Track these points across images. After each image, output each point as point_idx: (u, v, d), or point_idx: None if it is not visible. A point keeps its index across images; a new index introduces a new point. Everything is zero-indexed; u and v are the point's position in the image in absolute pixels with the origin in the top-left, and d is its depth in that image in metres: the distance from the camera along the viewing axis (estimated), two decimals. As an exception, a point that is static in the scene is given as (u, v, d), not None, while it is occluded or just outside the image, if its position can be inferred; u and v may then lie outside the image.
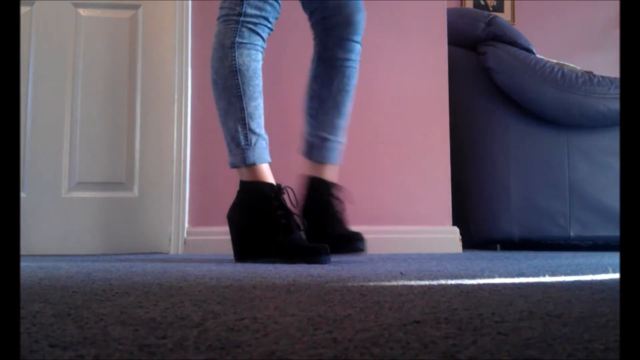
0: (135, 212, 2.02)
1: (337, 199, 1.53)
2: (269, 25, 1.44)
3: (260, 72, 1.44)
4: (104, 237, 2.01)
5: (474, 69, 2.33)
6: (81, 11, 2.08)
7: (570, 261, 1.45)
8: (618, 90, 2.21)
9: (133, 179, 2.04)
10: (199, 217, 2.00)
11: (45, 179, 2.01)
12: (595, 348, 0.41)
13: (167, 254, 1.95)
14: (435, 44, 2.15)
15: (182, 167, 1.99)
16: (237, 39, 1.39)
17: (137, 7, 2.10)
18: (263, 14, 1.41)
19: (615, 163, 2.24)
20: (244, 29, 1.40)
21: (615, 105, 2.20)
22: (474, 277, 0.97)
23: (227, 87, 1.41)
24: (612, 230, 2.21)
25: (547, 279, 0.95)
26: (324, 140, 1.54)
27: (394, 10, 2.14)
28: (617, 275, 1.01)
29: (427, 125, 2.12)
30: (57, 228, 1.99)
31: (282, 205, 1.39)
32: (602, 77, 2.25)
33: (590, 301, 0.65)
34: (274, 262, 1.35)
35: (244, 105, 1.40)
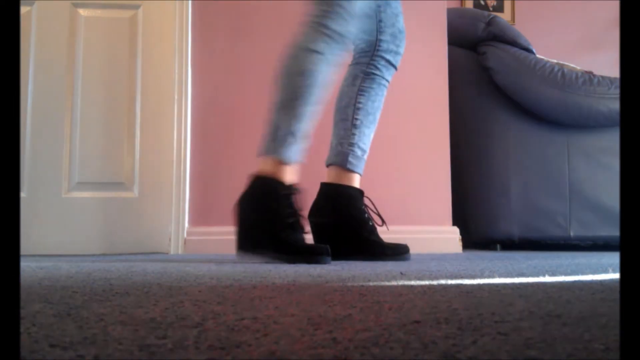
0: (135, 212, 2.02)
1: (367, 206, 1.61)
2: (345, 47, 1.47)
3: (326, 85, 1.46)
4: (104, 237, 2.01)
5: (474, 69, 2.33)
6: (81, 11, 2.08)
7: (570, 261, 1.45)
8: (618, 90, 2.21)
9: (133, 179, 2.04)
10: (199, 217, 2.00)
11: (45, 179, 2.01)
12: (595, 348, 0.41)
13: (167, 254, 1.95)
14: (435, 44, 2.15)
15: (182, 167, 1.99)
16: (316, 46, 1.42)
17: (137, 7, 2.10)
18: (346, 34, 1.44)
19: (615, 163, 2.23)
20: (328, 40, 1.43)
21: (615, 105, 2.19)
22: (474, 277, 0.97)
23: (291, 85, 1.43)
24: (612, 230, 2.21)
25: (547, 279, 0.95)
26: (363, 152, 1.62)
27: (394, 10, 2.13)
28: (617, 275, 1.01)
29: (427, 125, 2.12)
30: (57, 228, 1.99)
31: (292, 205, 1.41)
32: (602, 77, 2.25)
33: (590, 301, 0.65)
34: (273, 258, 1.37)
35: (299, 106, 1.42)
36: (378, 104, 1.64)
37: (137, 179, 2.04)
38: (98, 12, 2.09)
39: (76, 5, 2.08)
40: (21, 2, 2.05)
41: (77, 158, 2.03)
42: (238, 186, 2.00)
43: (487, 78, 2.29)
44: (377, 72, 1.63)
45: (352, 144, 1.60)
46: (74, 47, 2.06)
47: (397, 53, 1.65)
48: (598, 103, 2.20)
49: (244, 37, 2.06)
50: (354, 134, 1.61)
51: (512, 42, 2.30)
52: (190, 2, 2.06)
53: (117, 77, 2.07)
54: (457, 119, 2.28)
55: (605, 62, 3.69)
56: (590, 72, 2.29)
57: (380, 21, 1.62)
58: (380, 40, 1.63)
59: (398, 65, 1.67)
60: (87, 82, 2.05)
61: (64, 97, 2.04)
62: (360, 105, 1.62)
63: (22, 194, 2.00)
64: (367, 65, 1.64)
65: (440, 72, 2.14)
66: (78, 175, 2.03)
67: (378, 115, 1.65)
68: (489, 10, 3.70)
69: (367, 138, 1.63)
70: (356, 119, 1.61)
